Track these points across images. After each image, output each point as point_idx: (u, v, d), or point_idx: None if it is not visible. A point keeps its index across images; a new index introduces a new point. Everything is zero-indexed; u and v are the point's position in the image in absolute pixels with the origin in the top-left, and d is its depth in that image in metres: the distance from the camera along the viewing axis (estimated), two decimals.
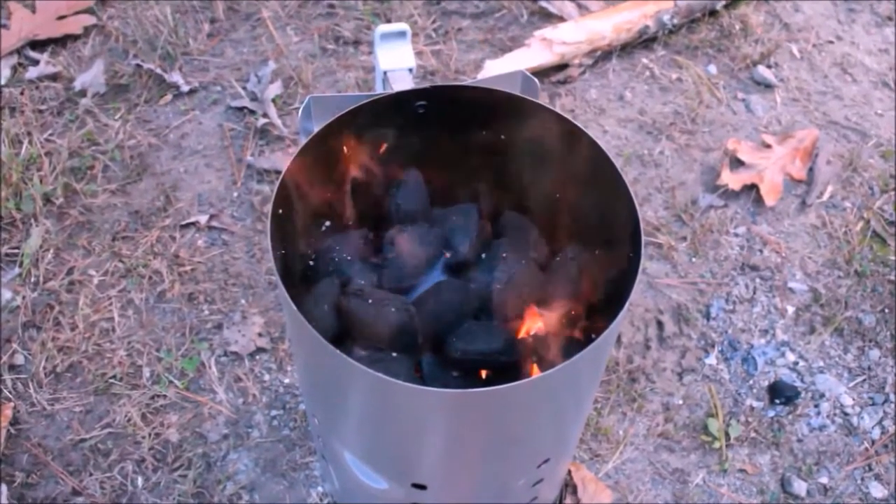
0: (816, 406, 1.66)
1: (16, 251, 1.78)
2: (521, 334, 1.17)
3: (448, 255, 1.20)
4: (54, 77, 2.05)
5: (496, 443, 1.06)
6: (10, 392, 1.62)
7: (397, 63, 1.23)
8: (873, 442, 1.63)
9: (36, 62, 2.07)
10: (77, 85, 2.03)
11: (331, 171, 1.15)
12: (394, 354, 1.12)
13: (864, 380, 1.70)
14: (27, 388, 1.62)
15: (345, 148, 1.15)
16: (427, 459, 1.09)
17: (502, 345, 1.14)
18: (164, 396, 1.62)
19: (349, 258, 1.18)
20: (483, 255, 1.21)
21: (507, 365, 1.15)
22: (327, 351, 0.94)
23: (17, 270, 1.75)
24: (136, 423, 1.59)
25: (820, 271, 1.83)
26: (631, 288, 1.01)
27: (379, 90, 1.26)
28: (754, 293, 1.79)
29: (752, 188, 1.93)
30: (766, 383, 1.69)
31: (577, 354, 0.96)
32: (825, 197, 1.94)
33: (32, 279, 1.74)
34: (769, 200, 1.91)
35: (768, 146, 1.99)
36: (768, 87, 2.13)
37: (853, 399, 1.67)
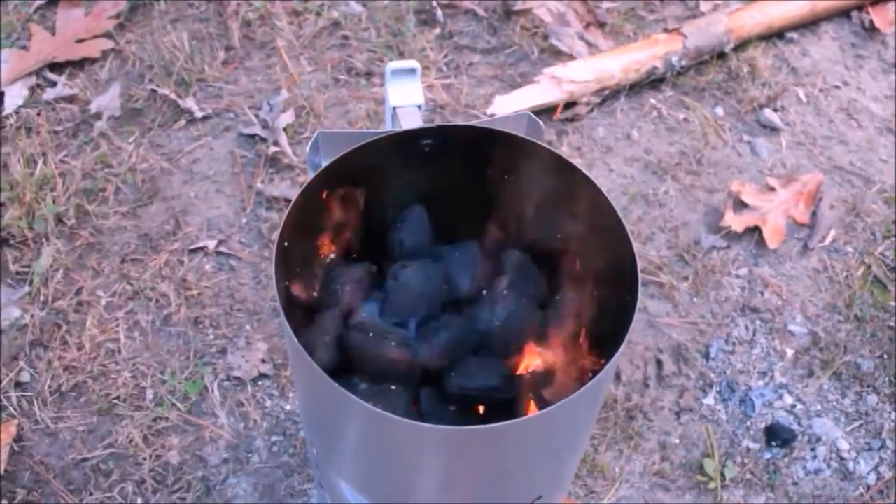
0: (813, 450, 1.67)
1: (26, 269, 1.81)
2: (520, 371, 1.18)
3: (449, 290, 1.22)
4: (71, 99, 2.09)
5: (490, 479, 1.08)
6: (14, 409, 1.64)
7: (407, 100, 1.25)
8: (868, 487, 1.64)
9: (54, 84, 2.11)
10: (93, 107, 2.06)
11: (337, 206, 1.17)
12: (393, 387, 1.14)
13: (861, 425, 1.71)
14: (32, 405, 1.65)
15: (351, 183, 1.17)
16: (421, 493, 1.10)
17: (500, 381, 1.15)
18: (167, 419, 1.64)
19: (352, 291, 1.20)
20: (484, 292, 1.22)
21: (504, 401, 1.16)
22: (326, 383, 0.96)
23: (26, 289, 1.78)
24: (137, 445, 1.61)
25: (820, 315, 1.85)
26: (627, 330, 1.03)
27: (388, 125, 1.28)
28: (754, 335, 1.81)
29: (754, 230, 1.95)
30: (763, 425, 1.70)
31: (572, 395, 0.98)
32: (827, 241, 1.96)
33: (41, 298, 1.77)
34: (771, 243, 1.93)
35: (772, 189, 2.01)
36: (774, 130, 2.15)
37: (850, 444, 1.68)
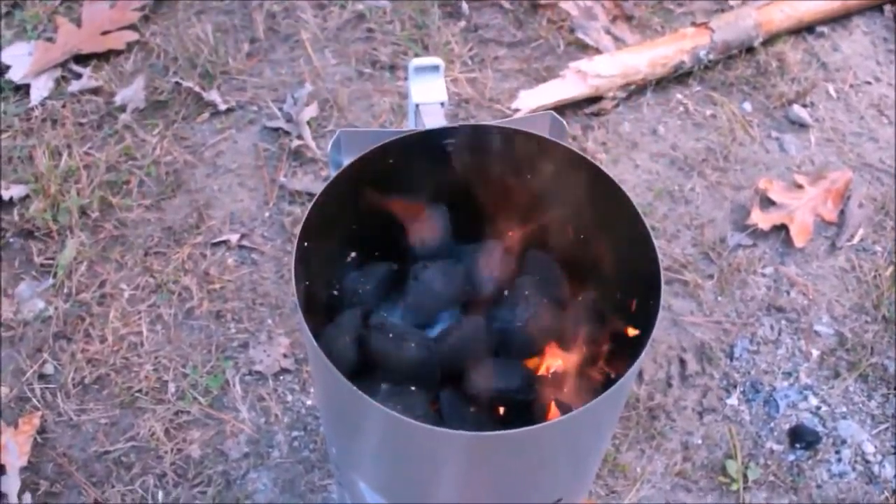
0: (837, 452, 1.65)
1: (51, 262, 1.81)
2: (541, 373, 1.17)
3: (471, 291, 1.21)
4: (96, 91, 2.09)
5: (509, 483, 1.07)
6: (38, 401, 1.65)
7: (430, 97, 1.25)
8: (894, 491, 1.62)
9: (79, 76, 2.12)
10: (118, 100, 2.07)
11: (358, 205, 1.17)
12: (412, 388, 1.13)
13: (888, 427, 1.69)
14: (55, 397, 1.66)
15: (372, 182, 1.16)
16: (439, 496, 1.10)
17: (521, 383, 1.15)
18: (188, 412, 1.65)
19: (373, 291, 1.19)
20: (505, 293, 1.22)
21: (525, 403, 1.15)
22: (344, 386, 0.96)
23: (50, 281, 1.79)
24: (159, 438, 1.61)
25: (847, 315, 1.82)
26: (650, 334, 1.01)
27: (411, 122, 1.27)
28: (779, 335, 1.79)
29: (781, 228, 1.92)
30: (787, 426, 1.68)
31: (594, 400, 0.97)
32: (855, 240, 1.93)
33: (65, 290, 1.78)
34: (799, 242, 1.90)
35: (800, 186, 1.98)
36: (803, 126, 2.12)
37: (875, 447, 1.66)
